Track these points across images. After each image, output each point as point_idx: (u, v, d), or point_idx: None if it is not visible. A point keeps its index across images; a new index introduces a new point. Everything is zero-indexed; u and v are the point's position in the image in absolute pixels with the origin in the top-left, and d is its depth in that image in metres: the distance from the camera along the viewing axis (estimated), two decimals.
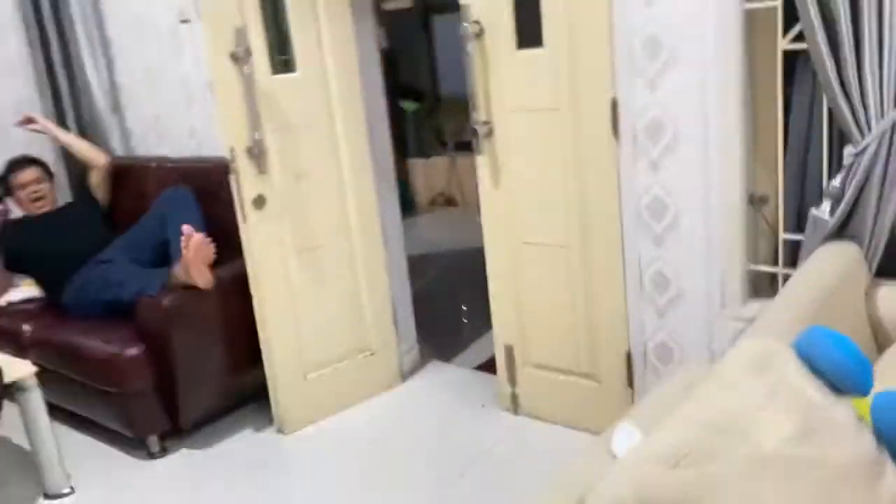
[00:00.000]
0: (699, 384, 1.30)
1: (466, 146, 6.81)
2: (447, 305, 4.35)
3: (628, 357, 2.55)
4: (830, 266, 1.86)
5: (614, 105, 2.34)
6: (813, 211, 2.03)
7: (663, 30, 2.19)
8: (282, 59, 2.81)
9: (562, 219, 2.58)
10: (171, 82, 3.61)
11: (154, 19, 3.55)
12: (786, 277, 2.21)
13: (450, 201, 6.55)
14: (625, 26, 2.26)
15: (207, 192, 3.19)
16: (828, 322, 1.51)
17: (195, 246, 2.76)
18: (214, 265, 2.85)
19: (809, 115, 2.11)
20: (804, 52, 2.06)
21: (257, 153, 2.68)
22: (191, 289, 2.80)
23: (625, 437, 1.18)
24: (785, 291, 1.78)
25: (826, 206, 2.00)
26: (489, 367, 3.37)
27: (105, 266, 3.15)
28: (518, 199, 2.66)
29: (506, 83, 2.57)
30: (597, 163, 2.43)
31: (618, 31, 2.28)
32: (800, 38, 2.00)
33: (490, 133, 2.64)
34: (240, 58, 2.61)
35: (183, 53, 3.49)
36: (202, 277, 2.79)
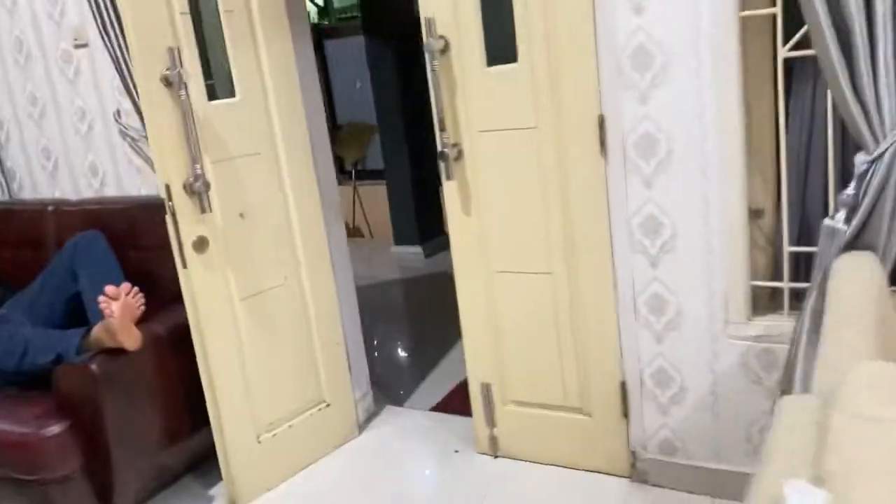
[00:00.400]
0: (834, 420, 1.15)
1: (368, 174, 6.61)
2: (383, 344, 4.10)
3: (623, 387, 2.41)
4: (867, 277, 1.79)
5: (601, 121, 2.21)
6: (827, 221, 1.96)
7: (654, 39, 2.08)
8: (216, 83, 2.50)
9: (542, 244, 2.41)
10: (64, 114, 3.18)
11: (42, 42, 3.11)
12: (793, 292, 2.14)
13: (356, 232, 6.28)
14: (610, 37, 2.13)
15: (121, 236, 2.81)
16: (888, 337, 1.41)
17: (123, 307, 2.38)
18: (140, 319, 2.48)
19: (810, 123, 2.06)
20: (801, 60, 2.01)
21: (197, 189, 2.34)
22: (118, 350, 2.42)
23: (805, 498, 1.01)
24: (841, 307, 1.68)
25: (841, 215, 1.94)
26: (446, 407, 3.18)
27: (3, 328, 2.68)
28: (492, 226, 2.48)
29: (475, 102, 2.39)
30: (582, 183, 2.28)
31: (603, 42, 2.15)
32: (799, 45, 1.95)
33: (459, 156, 2.44)
34: (173, 82, 2.28)
35: (78, 82, 3.08)
36: (130, 338, 2.41)
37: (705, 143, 2.09)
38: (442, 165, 2.45)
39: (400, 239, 5.66)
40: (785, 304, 2.16)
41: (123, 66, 2.77)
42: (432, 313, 4.47)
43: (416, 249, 5.54)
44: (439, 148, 2.43)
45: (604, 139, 2.22)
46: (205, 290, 2.45)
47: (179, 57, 2.26)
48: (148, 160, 3.03)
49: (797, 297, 2.14)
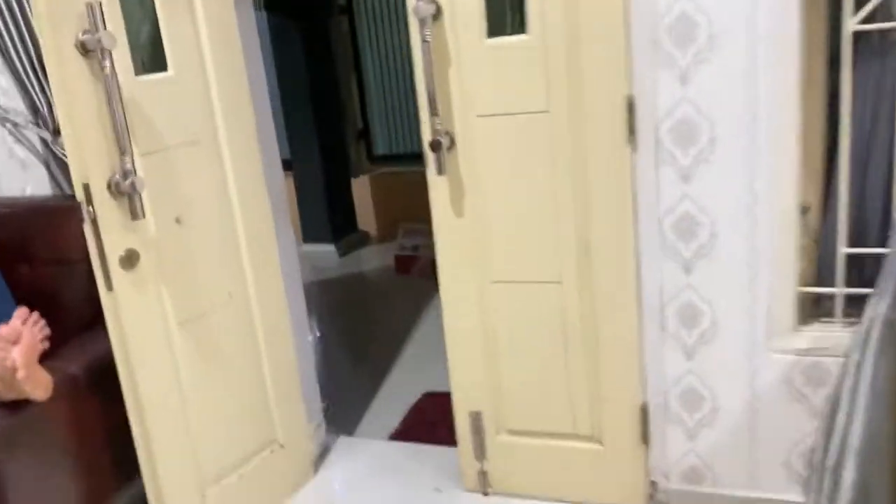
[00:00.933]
0: None
1: None
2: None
3: (643, 410, 2.10)
4: None
5: (630, 104, 1.88)
6: None
7: (700, 7, 1.77)
8: (141, 54, 1.97)
9: (551, 249, 2.06)
10: None
11: None
12: (848, 298, 1.90)
13: None
14: (647, 3, 1.80)
15: (7, 249, 2.22)
16: None
17: (26, 350, 1.83)
18: (43, 355, 1.93)
19: (874, 107, 1.81)
20: (867, 35, 1.76)
21: (126, 189, 1.82)
22: (20, 402, 1.86)
23: None
24: None
25: None
26: (408, 434, 2.79)
27: None
28: (490, 229, 2.10)
29: (473, 81, 1.99)
30: (604, 176, 1.95)
31: (637, 8, 1.82)
32: (869, 18, 1.70)
33: (451, 146, 2.04)
34: (92, 48, 1.74)
35: None
36: (39, 387, 1.87)
37: (755, 130, 1.81)
38: (431, 157, 2.05)
39: (309, 236, 5.15)
40: (837, 311, 1.91)
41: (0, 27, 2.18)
42: (361, 321, 4.02)
43: (329, 248, 5.05)
44: (428, 137, 2.02)
45: (633, 125, 1.89)
46: (135, 315, 1.93)
47: (101, 16, 1.73)
48: (35, 150, 2.43)
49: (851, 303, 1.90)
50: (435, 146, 2.00)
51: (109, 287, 1.87)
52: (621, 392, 2.10)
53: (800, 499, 2.00)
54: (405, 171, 5.40)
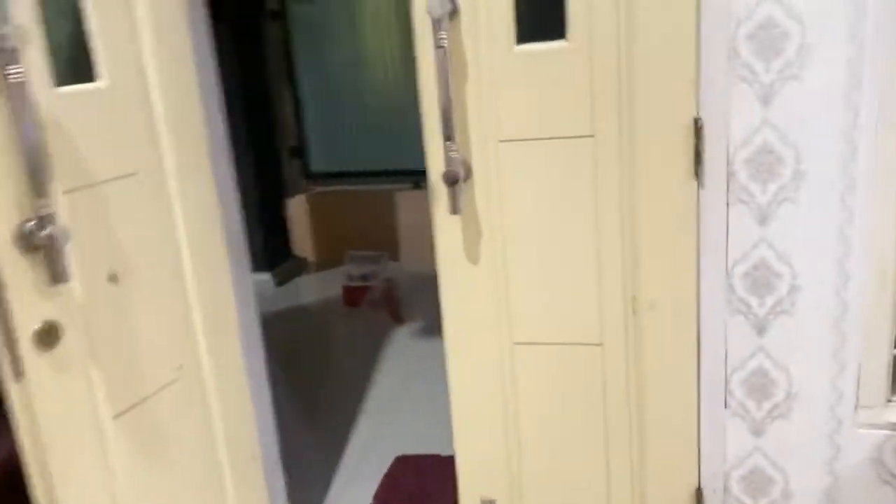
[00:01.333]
0: None
1: None
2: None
3: (698, 495, 1.73)
4: None
5: (698, 128, 1.51)
6: None
7: (791, 10, 1.42)
8: (71, 56, 1.48)
9: (592, 304, 1.67)
10: None
11: None
12: None
13: None
14: (722, 4, 1.45)
15: None
16: None
17: None
18: None
19: None
20: None
21: (43, 241, 1.33)
22: None
23: None
24: None
25: None
26: None
27: None
28: (514, 279, 1.69)
29: (498, 97, 1.59)
30: (660, 217, 1.58)
31: (709, 10, 1.46)
32: None
33: (467, 176, 1.63)
34: None
35: None
36: None
37: (853, 164, 1.47)
38: (442, 192, 1.63)
39: None
40: None
41: None
42: (310, 365, 3.53)
43: (264, 277, 4.54)
44: (439, 167, 1.60)
45: (700, 154, 1.52)
46: (55, 410, 1.43)
47: (7, 4, 1.24)
48: None
49: None
50: (450, 179, 1.58)
51: (19, 374, 1.37)
52: (671, 475, 1.73)
53: None
54: (346, 190, 4.95)
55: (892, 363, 1.59)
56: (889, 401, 1.60)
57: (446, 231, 1.69)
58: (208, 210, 1.75)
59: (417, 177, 4.86)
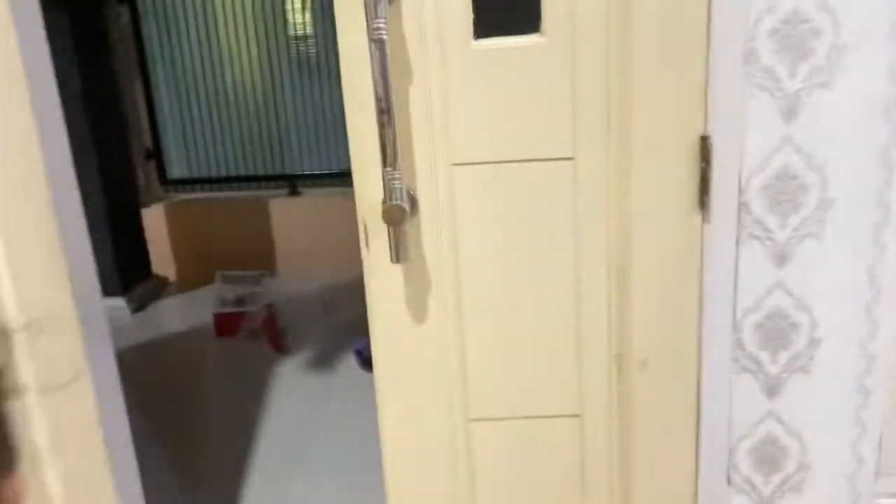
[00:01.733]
0: None
1: None
2: None
3: None
4: None
5: (705, 148, 1.20)
6: None
7: (823, 2, 1.14)
8: None
9: (570, 366, 1.33)
10: None
11: None
12: None
13: None
14: None
15: None
16: None
17: None
18: None
19: None
20: None
21: None
22: None
23: None
24: None
25: None
26: None
27: None
28: (469, 339, 1.32)
29: (449, 108, 1.21)
30: (655, 257, 1.26)
31: (723, 2, 1.15)
32: None
33: (412, 211, 1.24)
34: None
35: None
36: None
37: (889, 188, 1.21)
38: (379, 234, 1.23)
39: None
40: None
41: None
42: (180, 415, 2.99)
43: (118, 302, 3.91)
44: (377, 199, 1.20)
45: (707, 180, 1.21)
46: None
47: None
48: None
49: None
50: (395, 217, 1.18)
51: None
52: None
53: None
54: (212, 197, 4.40)
55: None
56: None
57: (382, 281, 1.29)
58: (39, 226, 1.26)
59: (294, 181, 4.40)
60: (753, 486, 1.38)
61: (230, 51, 4.26)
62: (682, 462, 1.37)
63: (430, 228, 1.26)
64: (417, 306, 1.30)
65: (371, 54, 1.12)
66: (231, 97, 4.36)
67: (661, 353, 1.30)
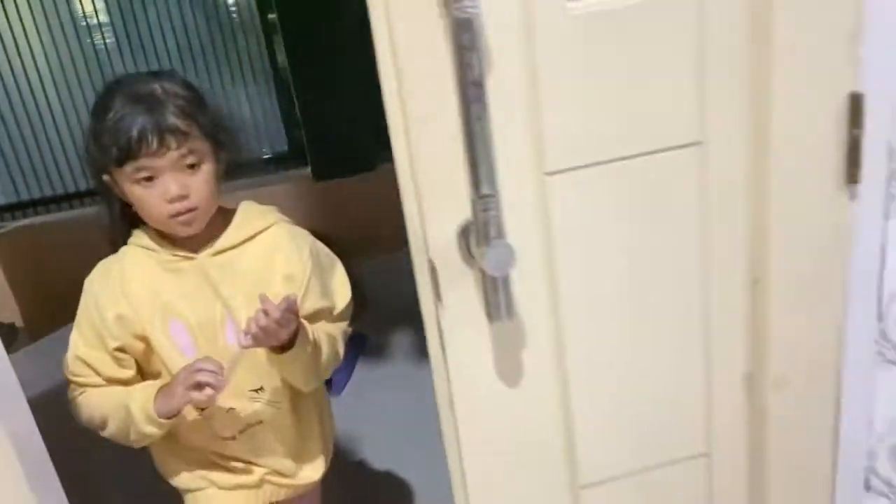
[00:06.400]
0: None
1: None
2: None
3: None
4: None
5: (855, 108, 0.94)
6: None
7: None
8: None
9: (696, 399, 1.06)
10: None
11: None
12: None
13: None
14: None
15: None
16: None
17: None
18: None
19: None
20: None
21: None
22: None
23: None
24: None
25: None
26: None
27: None
28: (575, 396, 1.01)
29: (541, 99, 0.86)
30: (798, 249, 1.00)
31: None
32: None
33: (485, 240, 0.89)
34: None
35: None
36: None
37: None
38: (473, 283, 0.88)
39: None
40: None
41: None
42: None
43: None
44: (452, 238, 0.85)
45: (857, 147, 0.96)
46: None
47: None
48: None
49: None
50: (501, 264, 0.83)
51: None
52: None
53: None
54: (48, 223, 3.67)
55: None
56: None
57: (464, 342, 0.94)
58: None
59: None
60: (893, 488, 1.19)
61: (16, 47, 3.49)
62: (818, 477, 1.15)
63: (524, 265, 0.92)
64: (509, 366, 0.97)
65: (454, 36, 0.75)
66: (30, 105, 3.60)
67: (801, 365, 1.06)
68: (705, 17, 0.87)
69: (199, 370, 1.14)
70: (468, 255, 0.88)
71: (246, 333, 1.13)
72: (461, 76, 0.76)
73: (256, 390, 1.27)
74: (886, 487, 1.19)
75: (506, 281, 0.86)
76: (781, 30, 0.89)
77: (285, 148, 3.84)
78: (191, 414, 1.25)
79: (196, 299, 1.22)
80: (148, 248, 1.24)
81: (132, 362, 1.25)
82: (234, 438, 1.30)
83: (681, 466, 1.10)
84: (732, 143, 0.93)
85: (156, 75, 1.21)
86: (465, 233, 0.88)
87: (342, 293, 1.34)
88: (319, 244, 1.32)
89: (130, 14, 3.50)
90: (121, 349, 1.22)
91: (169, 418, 1.19)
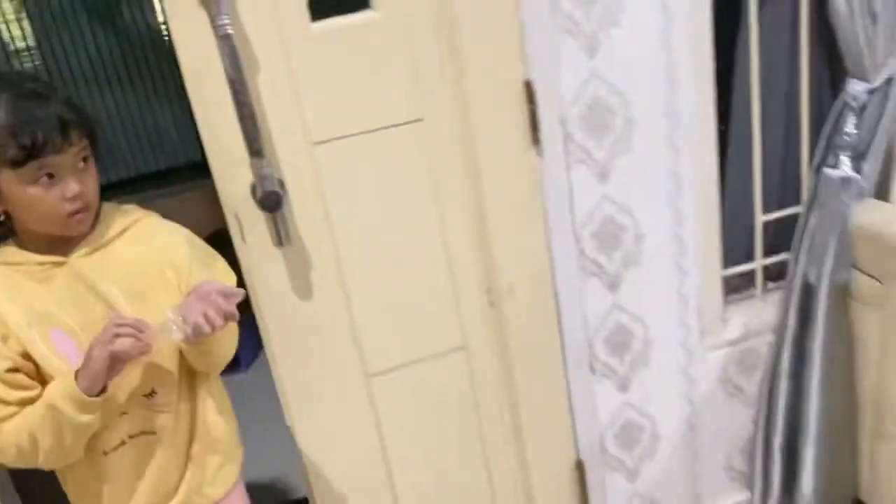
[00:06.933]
0: None
1: None
2: None
3: (580, 467, 1.67)
4: None
5: (529, 91, 1.37)
6: (828, 171, 1.55)
7: None
8: None
9: (449, 304, 1.48)
10: None
11: None
12: (766, 270, 1.70)
13: None
14: None
15: None
16: None
17: None
18: None
19: (789, 62, 1.60)
20: None
21: None
22: None
23: None
24: None
25: (846, 160, 1.54)
26: None
27: None
28: (357, 304, 1.42)
29: (298, 90, 1.27)
30: (505, 193, 1.42)
31: None
32: None
33: (280, 196, 1.29)
34: None
35: None
36: None
37: (675, 99, 1.46)
38: (256, 222, 1.28)
39: None
40: (758, 285, 1.72)
41: None
42: None
43: None
44: (244, 190, 1.25)
45: (535, 120, 1.39)
46: None
47: None
48: None
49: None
50: (271, 203, 1.24)
51: None
52: (550, 459, 1.64)
53: (741, 497, 1.82)
54: None
55: (721, 286, 1.65)
56: (724, 320, 1.68)
57: (264, 268, 1.34)
58: None
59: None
60: (612, 370, 1.62)
61: None
62: (552, 364, 1.57)
63: (301, 208, 1.32)
64: (300, 284, 1.37)
65: (220, 50, 1.15)
66: None
67: (523, 276, 1.48)
68: (413, 36, 1.29)
69: (117, 325, 1.06)
70: (259, 204, 1.28)
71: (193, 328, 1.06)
72: (228, 75, 1.16)
73: (148, 395, 1.18)
74: (607, 370, 1.62)
75: (283, 216, 1.26)
76: (469, 39, 1.31)
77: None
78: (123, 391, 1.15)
79: (74, 303, 1.12)
80: (12, 264, 1.12)
81: (32, 381, 1.11)
82: (123, 444, 1.18)
83: (446, 358, 1.50)
84: (443, 119, 1.35)
85: (19, 74, 1.20)
86: (254, 188, 1.28)
87: (228, 276, 1.23)
88: (198, 239, 1.23)
89: (58, 35, 3.66)
90: (14, 369, 1.10)
91: (98, 394, 1.07)
